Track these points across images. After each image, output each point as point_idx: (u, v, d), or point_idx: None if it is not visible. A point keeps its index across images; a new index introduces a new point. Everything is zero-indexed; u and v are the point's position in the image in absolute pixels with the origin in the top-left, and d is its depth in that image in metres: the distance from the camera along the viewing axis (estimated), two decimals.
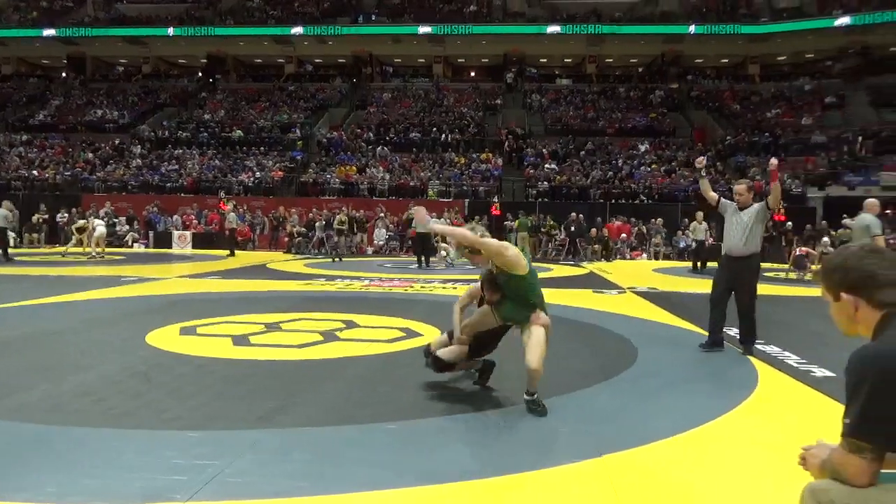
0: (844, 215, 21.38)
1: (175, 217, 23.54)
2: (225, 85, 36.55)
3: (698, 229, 16.46)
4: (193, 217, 23.69)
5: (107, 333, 6.52)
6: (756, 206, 6.10)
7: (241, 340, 6.18)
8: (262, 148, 29.36)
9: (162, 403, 4.12)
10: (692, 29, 32.03)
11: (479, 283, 4.33)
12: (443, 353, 4.36)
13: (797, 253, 15.03)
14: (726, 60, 35.63)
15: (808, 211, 22.67)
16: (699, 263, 16.02)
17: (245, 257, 18.11)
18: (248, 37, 35.17)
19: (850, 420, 1.63)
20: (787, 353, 5.95)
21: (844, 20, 30.09)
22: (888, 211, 18.71)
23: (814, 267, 15.06)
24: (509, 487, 2.95)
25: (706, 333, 6.40)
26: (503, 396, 4.30)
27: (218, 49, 36.50)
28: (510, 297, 4.12)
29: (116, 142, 30.22)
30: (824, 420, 3.83)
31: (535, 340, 3.95)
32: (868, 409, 1.58)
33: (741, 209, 6.15)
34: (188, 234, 22.53)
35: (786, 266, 15.40)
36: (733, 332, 6.38)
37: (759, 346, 6.14)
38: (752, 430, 3.88)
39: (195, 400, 4.21)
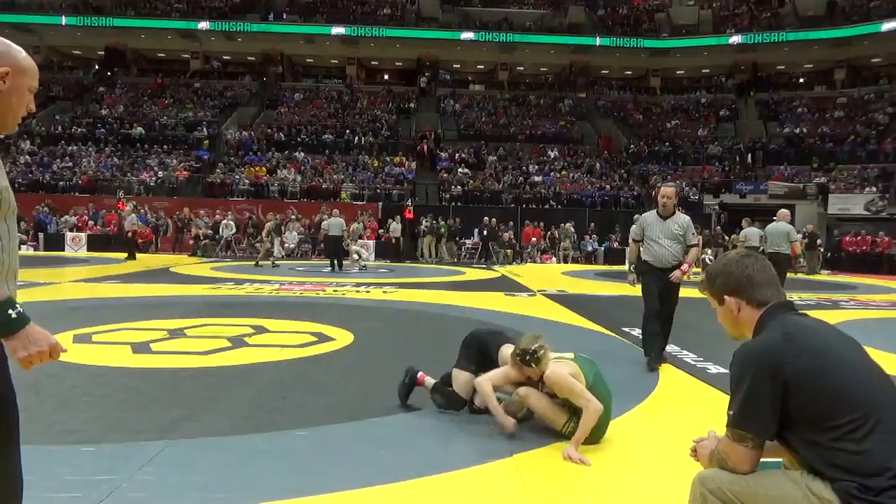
0: (713, 207, 23.14)
1: (65, 217, 22.06)
2: (125, 79, 34.66)
3: None
4: (87, 218, 22.34)
5: None
6: (684, 219, 5.67)
7: (141, 348, 5.87)
8: (165, 146, 28.08)
9: (52, 417, 3.85)
10: (598, 41, 33.43)
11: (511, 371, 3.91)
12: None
13: None
14: (630, 72, 37.31)
15: (705, 217, 24.10)
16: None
17: (146, 260, 17.26)
18: (150, 29, 33.51)
19: (734, 411, 1.75)
20: (685, 352, 6.28)
21: (736, 38, 32.34)
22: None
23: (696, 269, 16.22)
24: (425, 489, 2.96)
25: (611, 333, 6.65)
26: (416, 400, 4.31)
27: (117, 41, 34.56)
28: None
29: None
30: (718, 413, 4.06)
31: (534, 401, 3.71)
32: (749, 401, 1.71)
33: (665, 217, 5.63)
34: (83, 235, 21.24)
35: None
36: (636, 332, 6.71)
37: None
38: (654, 424, 4.09)
39: (90, 412, 3.96)
